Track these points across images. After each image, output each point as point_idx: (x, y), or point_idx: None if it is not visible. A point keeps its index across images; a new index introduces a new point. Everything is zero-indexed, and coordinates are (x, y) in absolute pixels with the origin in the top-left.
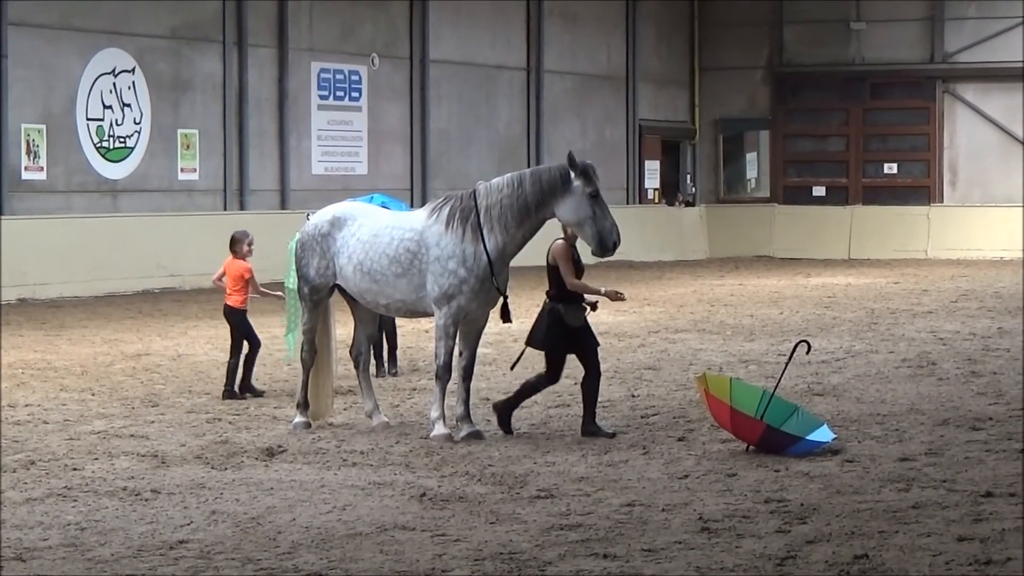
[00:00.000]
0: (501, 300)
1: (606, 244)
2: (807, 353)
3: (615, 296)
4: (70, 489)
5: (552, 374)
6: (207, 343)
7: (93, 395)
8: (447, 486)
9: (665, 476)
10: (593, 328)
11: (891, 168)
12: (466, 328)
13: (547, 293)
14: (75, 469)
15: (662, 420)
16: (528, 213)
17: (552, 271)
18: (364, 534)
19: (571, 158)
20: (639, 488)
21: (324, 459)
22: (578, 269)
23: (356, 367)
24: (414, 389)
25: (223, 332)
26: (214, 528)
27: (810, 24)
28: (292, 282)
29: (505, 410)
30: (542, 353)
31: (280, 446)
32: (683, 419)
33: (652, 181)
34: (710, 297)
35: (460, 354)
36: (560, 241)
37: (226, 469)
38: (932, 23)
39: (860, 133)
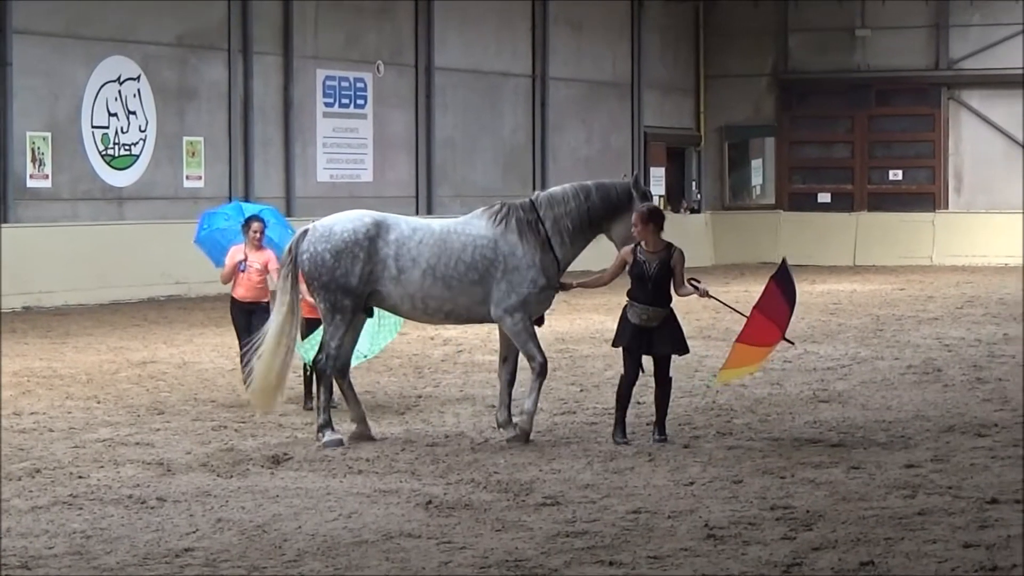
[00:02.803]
0: None
1: None
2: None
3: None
4: (75, 497)
5: (626, 371)
6: (213, 351)
7: (99, 403)
8: (453, 494)
9: (671, 483)
10: (679, 334)
11: (896, 175)
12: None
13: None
14: (80, 477)
15: (667, 427)
16: (595, 224)
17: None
18: (370, 542)
19: (638, 180)
20: (645, 495)
21: (330, 467)
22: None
23: (340, 377)
24: (419, 396)
25: (228, 340)
26: (220, 536)
27: (815, 31)
28: None
29: (619, 428)
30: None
31: (286, 454)
32: (688, 426)
33: (657, 188)
34: (715, 304)
35: (505, 359)
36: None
37: (232, 477)
38: (937, 30)
39: (865, 140)
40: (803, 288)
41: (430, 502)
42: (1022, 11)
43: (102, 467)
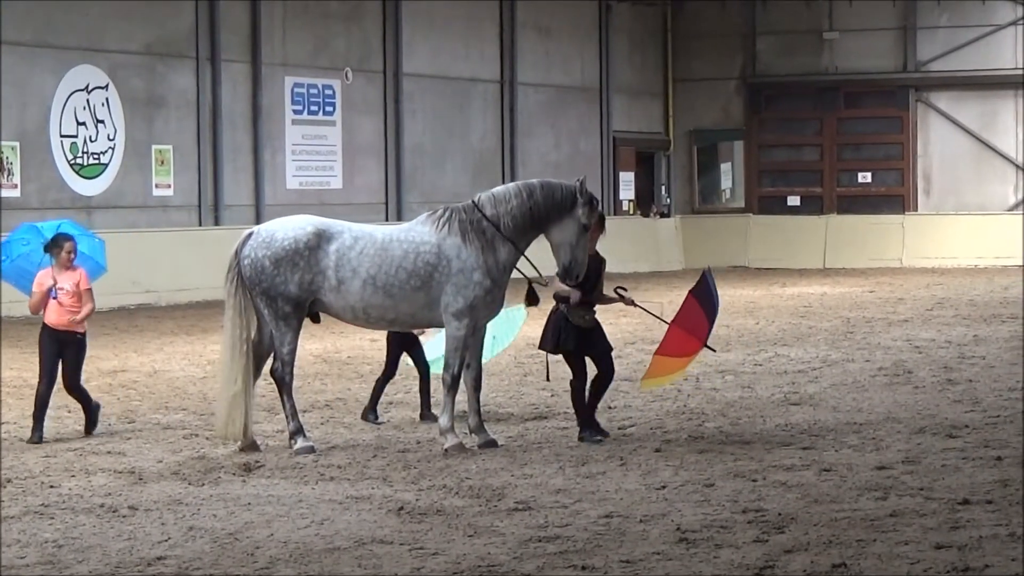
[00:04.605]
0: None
1: (572, 274)
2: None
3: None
4: (47, 507)
5: (576, 373)
6: (183, 359)
7: (69, 412)
8: (425, 499)
9: (642, 487)
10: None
11: (865, 177)
12: (472, 339)
13: (554, 296)
14: (52, 486)
15: (639, 431)
16: (537, 223)
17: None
18: (342, 548)
19: (583, 185)
20: (617, 499)
21: (301, 474)
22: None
23: (281, 387)
24: (390, 403)
25: (199, 348)
26: (192, 544)
27: (783, 34)
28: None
29: (587, 422)
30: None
31: (257, 461)
32: (660, 430)
33: (627, 192)
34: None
35: (468, 366)
36: None
37: (203, 485)
38: (904, 32)
39: (834, 142)
40: (773, 291)
41: (402, 508)
42: (990, 12)
43: (73, 476)
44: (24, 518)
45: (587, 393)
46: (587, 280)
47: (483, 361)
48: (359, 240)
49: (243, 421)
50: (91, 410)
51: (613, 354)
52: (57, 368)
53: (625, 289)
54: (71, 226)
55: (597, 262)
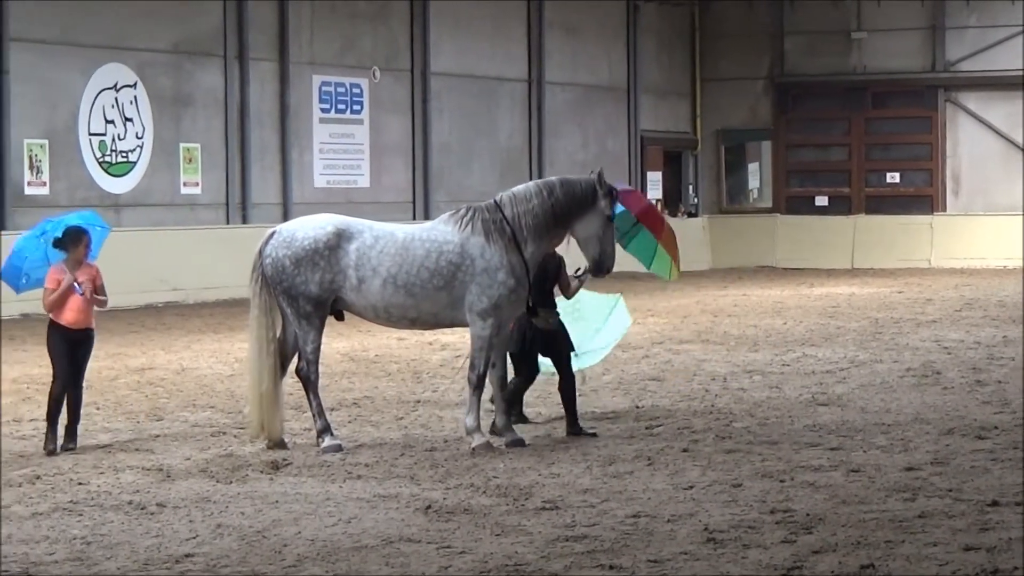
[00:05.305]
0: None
1: (603, 267)
2: None
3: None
4: (75, 503)
5: (526, 374)
6: (211, 356)
7: (98, 409)
8: (452, 498)
9: (670, 487)
10: (569, 335)
11: (894, 177)
12: (497, 338)
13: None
14: (80, 483)
15: (667, 431)
16: (560, 221)
17: None
18: (370, 547)
19: (601, 177)
20: (644, 499)
21: (329, 472)
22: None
23: (307, 386)
24: (418, 401)
25: (227, 346)
26: (220, 542)
27: (811, 34)
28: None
29: (506, 425)
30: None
31: (285, 459)
32: (688, 430)
33: (654, 192)
34: (713, 308)
35: (493, 365)
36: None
37: (231, 482)
38: (933, 32)
39: (862, 142)
40: (801, 291)
41: (429, 507)
42: (1020, 12)
43: (102, 473)
44: (53, 515)
45: (562, 400)
46: (543, 283)
47: (583, 367)
48: (380, 239)
49: (271, 419)
50: (75, 420)
51: (640, 354)
52: (71, 368)
53: (579, 269)
54: (91, 217)
55: (556, 263)
